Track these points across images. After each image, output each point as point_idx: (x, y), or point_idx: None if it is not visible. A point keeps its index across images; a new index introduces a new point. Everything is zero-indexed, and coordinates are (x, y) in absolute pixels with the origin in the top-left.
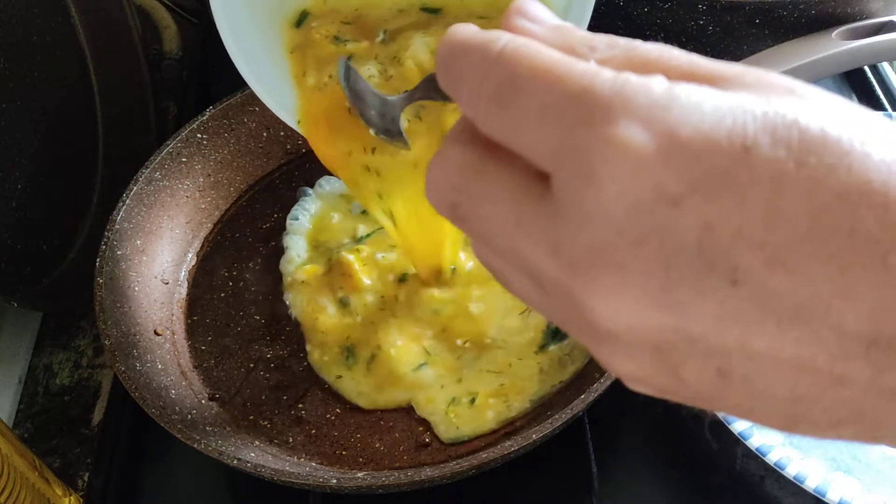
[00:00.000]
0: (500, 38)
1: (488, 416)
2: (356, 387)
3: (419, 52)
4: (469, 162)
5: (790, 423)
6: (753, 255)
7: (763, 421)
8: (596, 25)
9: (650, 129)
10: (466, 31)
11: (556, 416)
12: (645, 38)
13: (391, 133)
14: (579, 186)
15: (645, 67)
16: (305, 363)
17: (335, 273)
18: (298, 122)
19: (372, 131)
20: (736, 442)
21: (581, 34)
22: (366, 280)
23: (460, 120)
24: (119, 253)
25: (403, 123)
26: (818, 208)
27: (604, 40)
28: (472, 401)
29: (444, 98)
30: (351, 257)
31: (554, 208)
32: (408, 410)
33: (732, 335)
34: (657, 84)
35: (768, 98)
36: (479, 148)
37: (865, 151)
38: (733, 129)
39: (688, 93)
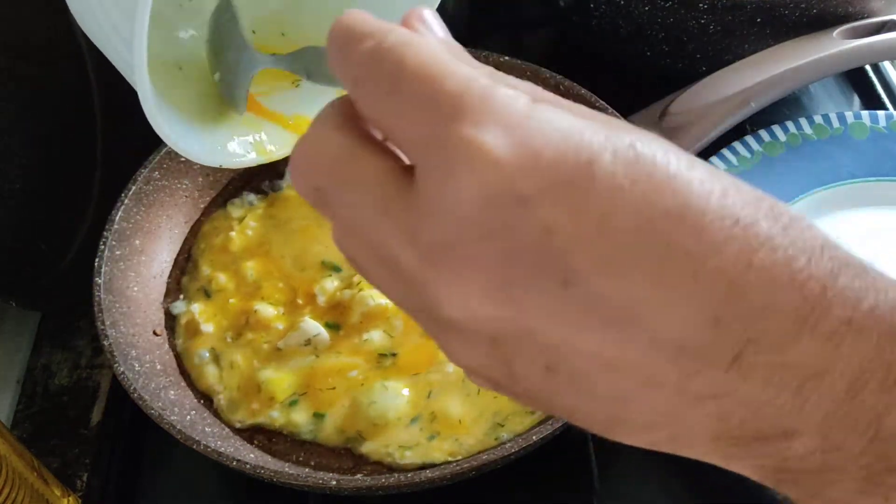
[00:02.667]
0: (395, 31)
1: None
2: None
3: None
4: (341, 146)
5: (610, 424)
6: (585, 259)
7: (585, 422)
8: (597, 24)
9: (510, 136)
10: (364, 17)
11: (557, 416)
12: (646, 36)
13: (233, 88)
14: (438, 179)
15: (509, 87)
16: None
17: None
18: None
19: (216, 76)
20: None
21: (465, 54)
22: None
23: (333, 104)
24: (118, 253)
25: (251, 88)
26: (644, 222)
27: (482, 66)
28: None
29: (313, 76)
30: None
31: (415, 199)
32: None
33: (561, 332)
34: (522, 98)
35: (615, 127)
36: (352, 134)
37: (689, 177)
38: (580, 145)
39: (546, 110)
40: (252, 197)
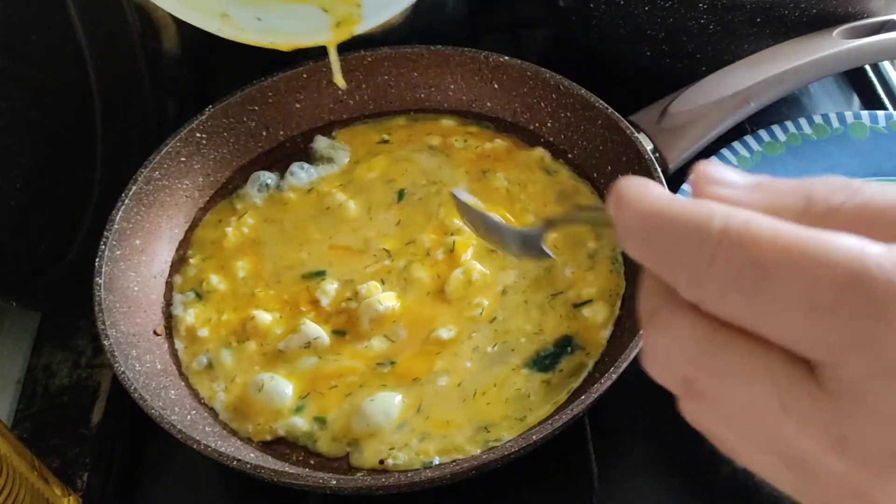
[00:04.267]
0: (716, 213)
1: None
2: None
3: None
4: (707, 334)
5: None
6: None
7: None
8: (597, 25)
9: None
10: (662, 198)
11: (557, 417)
12: (646, 36)
13: (535, 255)
14: (874, 382)
15: (884, 225)
16: None
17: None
18: None
19: (513, 253)
20: None
21: (787, 186)
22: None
23: (657, 282)
24: (118, 253)
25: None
26: None
27: (820, 188)
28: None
29: (598, 225)
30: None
31: (834, 399)
32: None
33: None
34: None
35: None
36: (712, 321)
37: None
38: None
39: None
40: (267, 176)
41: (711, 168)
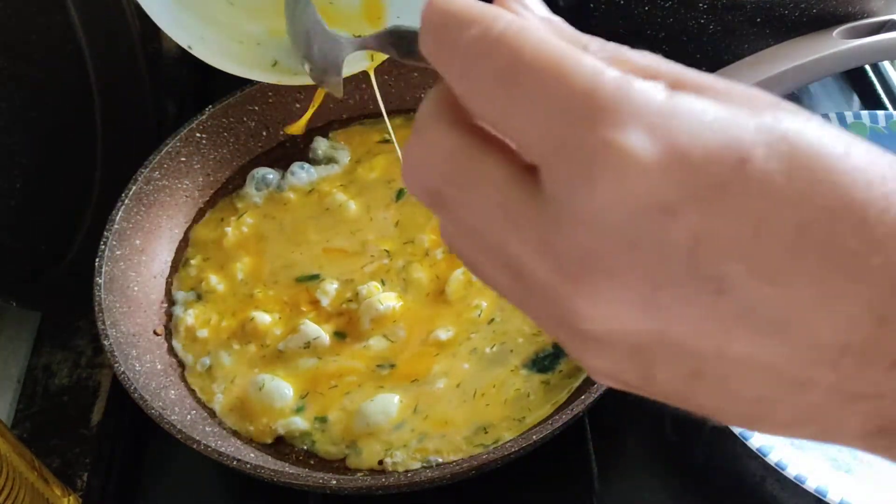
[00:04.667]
0: (502, 17)
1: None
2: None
3: None
4: (457, 146)
5: (752, 422)
6: (740, 267)
7: (723, 418)
8: (597, 24)
9: (653, 137)
10: (461, 0)
11: (557, 417)
12: (646, 36)
13: (328, 74)
14: (576, 187)
15: (637, 74)
16: None
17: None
18: None
19: (307, 68)
20: (736, 442)
21: (571, 30)
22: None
23: (435, 96)
24: (118, 253)
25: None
26: (804, 222)
27: (594, 41)
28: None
29: (404, 56)
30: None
31: (545, 206)
32: None
33: (711, 341)
34: (660, 91)
35: (760, 112)
36: (465, 131)
37: (848, 167)
38: (730, 142)
39: (689, 102)
40: (267, 171)
41: None
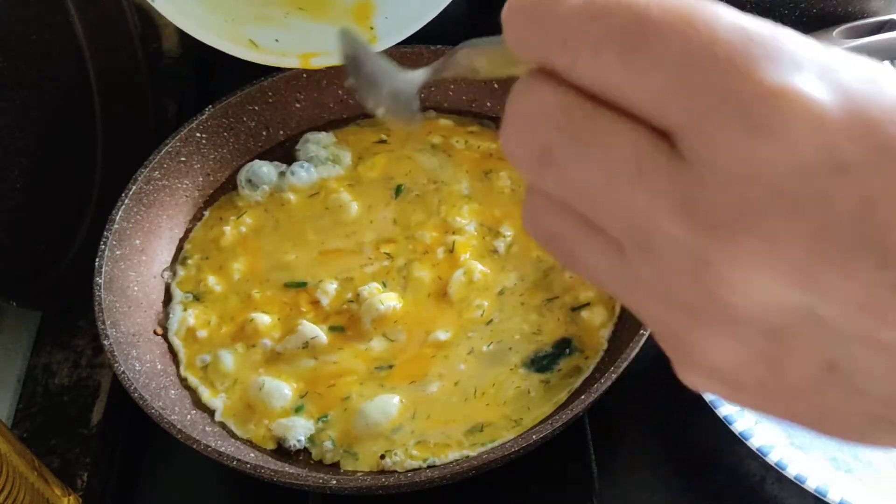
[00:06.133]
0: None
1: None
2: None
3: None
4: (574, 101)
5: (867, 429)
6: None
7: (835, 428)
8: None
9: (831, 85)
10: None
11: (557, 417)
12: None
13: (402, 111)
14: (736, 141)
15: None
16: None
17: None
18: None
19: (380, 112)
20: (736, 442)
21: None
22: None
23: (529, 76)
24: (118, 252)
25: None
26: None
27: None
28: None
29: (484, 69)
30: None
31: (688, 167)
32: None
33: (863, 323)
34: (811, 42)
35: None
36: (579, 93)
37: None
38: (891, 109)
39: (847, 58)
40: (261, 164)
41: None
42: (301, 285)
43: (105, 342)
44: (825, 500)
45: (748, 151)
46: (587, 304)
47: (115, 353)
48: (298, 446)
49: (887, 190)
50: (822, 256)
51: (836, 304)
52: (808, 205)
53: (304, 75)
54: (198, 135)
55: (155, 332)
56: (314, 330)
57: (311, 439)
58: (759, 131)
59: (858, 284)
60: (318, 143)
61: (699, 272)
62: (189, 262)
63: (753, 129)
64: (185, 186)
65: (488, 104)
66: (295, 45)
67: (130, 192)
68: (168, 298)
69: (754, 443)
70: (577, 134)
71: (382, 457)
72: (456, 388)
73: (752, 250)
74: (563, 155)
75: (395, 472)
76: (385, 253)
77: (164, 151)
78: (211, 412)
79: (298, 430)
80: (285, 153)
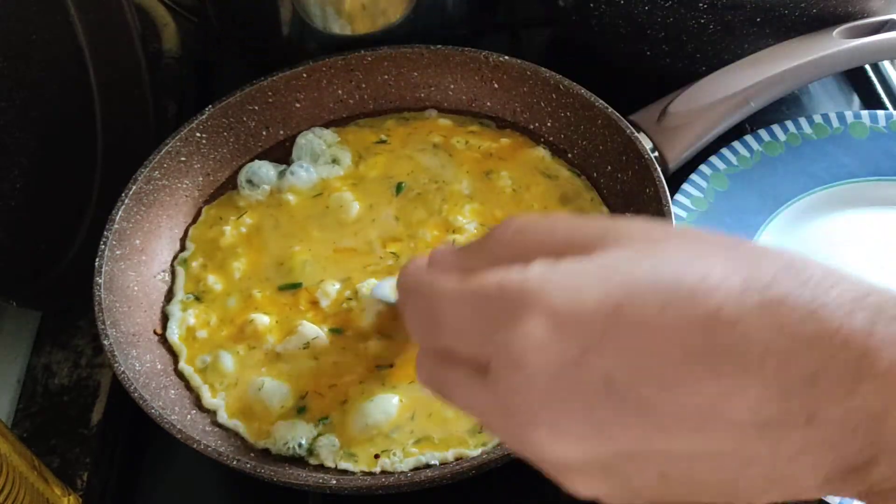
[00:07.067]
0: (423, 281)
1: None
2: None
3: None
4: (433, 364)
5: (730, 499)
6: (649, 384)
7: (711, 500)
8: (597, 25)
9: (541, 315)
10: (405, 275)
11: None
12: (646, 36)
13: None
14: (508, 372)
15: (527, 255)
16: None
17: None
18: None
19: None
20: None
21: (461, 252)
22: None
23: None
24: (118, 252)
25: None
26: (684, 339)
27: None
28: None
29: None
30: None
31: (493, 387)
32: None
33: (658, 445)
34: (537, 270)
35: (629, 255)
36: (437, 356)
37: (701, 273)
38: (601, 297)
39: (562, 274)
40: (268, 168)
41: (435, 253)
42: (296, 286)
43: (105, 342)
44: (825, 500)
45: (519, 376)
46: None
47: (115, 353)
48: (300, 451)
49: (613, 361)
50: (599, 418)
51: (630, 441)
52: (569, 392)
53: (304, 75)
54: (198, 135)
55: (155, 332)
56: (315, 330)
57: (309, 447)
58: (518, 365)
59: (635, 424)
60: (320, 138)
61: (531, 454)
62: (189, 262)
63: (516, 364)
64: (185, 186)
65: (488, 104)
66: None
67: (130, 192)
68: (168, 298)
69: None
70: (440, 381)
71: (377, 456)
72: None
73: (551, 431)
74: (439, 389)
75: (395, 472)
76: (391, 252)
77: (164, 151)
78: (211, 412)
79: (298, 433)
80: (285, 153)
